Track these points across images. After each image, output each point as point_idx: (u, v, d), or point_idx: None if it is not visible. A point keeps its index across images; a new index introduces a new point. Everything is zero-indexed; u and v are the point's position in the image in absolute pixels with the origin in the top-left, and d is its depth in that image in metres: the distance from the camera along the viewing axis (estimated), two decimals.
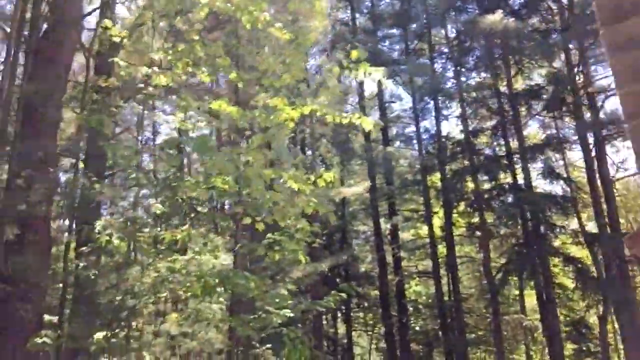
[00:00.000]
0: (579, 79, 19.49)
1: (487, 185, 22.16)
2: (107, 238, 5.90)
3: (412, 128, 24.66)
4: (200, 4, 6.06)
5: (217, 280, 5.62)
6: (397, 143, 27.70)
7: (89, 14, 12.49)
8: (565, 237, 19.50)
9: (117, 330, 8.03)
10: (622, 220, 18.49)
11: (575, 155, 22.31)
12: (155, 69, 7.33)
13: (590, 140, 18.78)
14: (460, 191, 21.97)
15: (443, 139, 22.84)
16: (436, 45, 24.25)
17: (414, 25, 22.99)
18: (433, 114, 23.60)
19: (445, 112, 25.05)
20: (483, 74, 22.56)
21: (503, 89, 21.33)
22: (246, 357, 8.27)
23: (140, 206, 15.13)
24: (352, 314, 26.32)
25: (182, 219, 9.90)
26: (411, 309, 25.21)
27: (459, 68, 22.44)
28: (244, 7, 5.74)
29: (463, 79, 22.72)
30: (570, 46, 19.76)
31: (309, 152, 23.81)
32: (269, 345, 7.99)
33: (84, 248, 7.34)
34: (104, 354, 7.79)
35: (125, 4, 13.99)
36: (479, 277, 26.73)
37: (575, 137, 19.59)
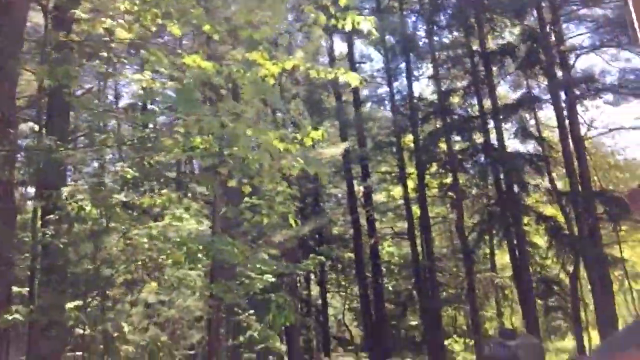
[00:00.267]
0: (552, 38, 19.41)
1: (459, 146, 22.17)
2: (79, 204, 5.47)
3: (384, 89, 24.36)
4: None
5: (200, 247, 5.29)
6: (369, 104, 27.43)
7: None
8: (537, 196, 19.73)
9: (90, 300, 7.67)
10: (594, 178, 18.73)
11: (547, 114, 22.43)
12: (121, 21, 6.78)
13: (562, 99, 18.85)
14: (433, 152, 21.90)
15: (415, 100, 22.63)
16: (406, 3, 23.74)
17: None
18: (404, 74, 23.31)
19: (417, 73, 24.84)
20: (456, 33, 22.27)
21: (476, 47, 21.11)
22: (228, 324, 8.05)
23: (107, 171, 14.56)
24: (326, 276, 26.44)
25: (154, 185, 9.49)
26: (384, 269, 25.42)
27: (431, 26, 22.05)
28: None
29: (435, 38, 22.38)
30: (543, 4, 19.58)
31: (278, 114, 23.34)
32: (251, 311, 7.76)
33: (51, 216, 6.88)
34: (78, 326, 7.44)
35: None
36: (452, 237, 27.09)
37: (547, 97, 19.60)
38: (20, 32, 6.92)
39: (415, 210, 22.21)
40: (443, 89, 21.95)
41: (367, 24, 5.06)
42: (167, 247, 5.71)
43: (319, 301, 26.52)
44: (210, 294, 7.01)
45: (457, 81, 22.84)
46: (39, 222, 7.85)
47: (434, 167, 22.79)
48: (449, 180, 22.63)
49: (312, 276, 26.79)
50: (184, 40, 12.79)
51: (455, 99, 22.04)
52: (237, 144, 4.19)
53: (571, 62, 19.35)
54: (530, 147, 20.63)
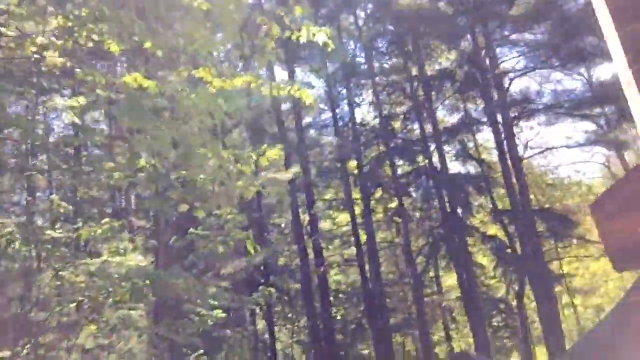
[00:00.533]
0: (487, 62, 20.06)
1: (402, 170, 22.36)
2: (7, 238, 4.79)
3: (327, 115, 24.33)
4: None
5: (147, 281, 4.73)
6: (312, 131, 27.33)
7: None
8: (481, 216, 20.06)
9: (20, 349, 6.84)
10: (531, 197, 19.24)
11: (485, 136, 23.05)
12: (53, 38, 6.23)
13: (500, 120, 19.40)
14: (378, 177, 21.95)
15: (357, 126, 22.73)
16: (345, 30, 24.01)
17: (323, 10, 22.55)
18: (345, 101, 23.44)
19: (358, 99, 25.03)
20: (394, 59, 22.65)
21: (415, 73, 21.53)
22: None
23: (37, 209, 13.51)
24: (273, 309, 25.67)
25: (89, 219, 8.81)
26: (332, 298, 24.99)
27: (370, 52, 22.34)
28: None
29: (376, 64, 22.66)
30: (476, 30, 20.27)
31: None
32: (201, 351, 7.15)
33: None
34: None
35: None
36: (397, 261, 27.09)
37: (485, 119, 20.14)
38: None
39: (362, 236, 22.06)
40: (384, 114, 22.16)
41: (322, 35, 4.79)
42: (108, 284, 5.11)
43: (266, 335, 25.64)
44: (156, 334, 6.37)
45: (397, 106, 23.16)
46: None
47: (378, 192, 22.82)
48: (394, 204, 22.72)
49: (258, 309, 25.98)
50: (119, 63, 12.15)
51: (396, 124, 22.29)
52: (190, 162, 3.75)
53: (506, 85, 20.03)
54: (471, 168, 21.06)
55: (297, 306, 26.68)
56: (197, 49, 5.28)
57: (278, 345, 28.24)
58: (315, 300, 22.19)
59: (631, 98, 1.64)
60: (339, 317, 25.81)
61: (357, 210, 22.52)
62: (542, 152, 21.26)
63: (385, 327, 20.06)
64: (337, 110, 23.93)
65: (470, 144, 21.78)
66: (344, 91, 23.17)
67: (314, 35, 4.85)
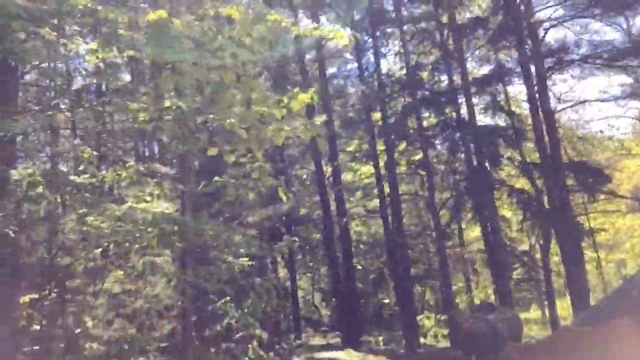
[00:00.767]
0: (522, 9, 19.12)
1: (428, 122, 21.86)
2: (29, 180, 4.69)
3: (352, 65, 23.76)
4: None
5: (175, 228, 4.61)
6: (336, 81, 26.76)
7: None
8: (508, 170, 19.65)
9: (47, 293, 6.90)
10: (562, 152, 18.68)
11: (515, 89, 22.33)
12: None
13: (533, 72, 18.65)
14: (403, 129, 21.52)
15: (383, 77, 22.14)
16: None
17: None
18: (372, 50, 22.77)
19: (385, 49, 24.32)
20: (424, 7, 21.74)
21: (445, 21, 20.68)
22: (203, 312, 7.42)
23: (58, 154, 13.49)
24: (295, 258, 25.95)
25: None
26: (353, 249, 25.11)
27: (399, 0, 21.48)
28: None
29: (404, 12, 21.81)
30: None
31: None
32: (228, 298, 7.13)
33: None
34: (34, 321, 6.67)
35: None
36: (419, 214, 26.98)
37: (518, 70, 19.38)
38: None
39: (385, 188, 21.86)
40: (412, 64, 21.50)
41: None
42: (135, 229, 5.02)
43: (287, 283, 26.00)
44: (183, 280, 6.34)
45: (426, 56, 22.43)
46: None
47: (403, 145, 22.45)
48: (418, 157, 22.36)
49: (279, 258, 26.29)
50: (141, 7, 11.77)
51: (424, 74, 21.63)
52: (218, 103, 3.52)
53: (541, 35, 19.13)
54: (500, 121, 20.48)
55: (318, 255, 26.97)
56: None
57: (299, 293, 28.75)
58: (337, 251, 22.32)
59: None
60: (359, 267, 26.06)
61: (381, 162, 22.26)
62: (574, 105, 20.54)
63: (406, 277, 20.12)
64: (363, 61, 23.36)
65: (501, 97, 21.10)
66: (370, 40, 22.48)
67: None
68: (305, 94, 4.53)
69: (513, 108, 20.78)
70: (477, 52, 21.74)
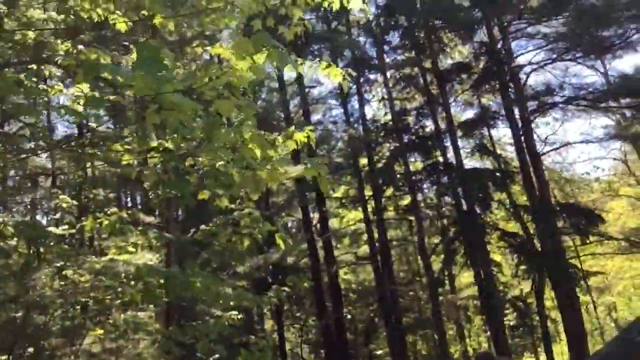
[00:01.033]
0: (503, 55, 19.43)
1: (414, 167, 21.80)
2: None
3: (337, 111, 23.80)
4: None
5: (161, 281, 4.20)
6: (321, 127, 26.75)
7: None
8: (498, 212, 19.49)
9: (20, 354, 6.33)
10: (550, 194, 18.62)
11: (499, 133, 22.49)
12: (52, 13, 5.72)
13: (517, 115, 18.78)
14: (390, 174, 21.37)
15: (368, 122, 22.19)
16: (353, 27, 23.38)
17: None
18: (356, 97, 22.88)
19: (370, 95, 24.45)
20: (407, 54, 22.02)
21: (428, 67, 20.91)
22: None
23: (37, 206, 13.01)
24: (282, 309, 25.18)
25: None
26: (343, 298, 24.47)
27: (382, 47, 21.75)
28: None
29: (387, 60, 22.06)
30: (493, 22, 19.64)
31: None
32: (217, 356, 6.61)
33: None
34: None
35: None
36: (408, 260, 26.58)
37: (502, 113, 19.52)
38: None
39: (374, 234, 21.49)
40: (397, 109, 21.60)
41: (357, 1, 4.25)
42: (117, 284, 4.59)
43: (274, 335, 25.14)
44: (169, 337, 5.84)
45: (410, 102, 22.56)
46: None
47: (390, 190, 22.27)
48: (405, 202, 22.16)
49: (265, 309, 25.50)
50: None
51: (409, 119, 21.69)
52: (214, 138, 3.21)
53: (523, 78, 19.40)
54: (487, 164, 20.48)
55: (306, 305, 26.21)
56: (213, 21, 4.73)
57: (287, 346, 27.78)
58: (326, 300, 21.69)
59: None
60: (349, 317, 25.33)
61: (369, 207, 21.97)
62: (559, 148, 20.65)
63: (398, 326, 19.51)
64: (348, 107, 23.39)
65: (485, 140, 21.16)
66: (355, 87, 22.60)
67: (347, 1, 4.32)
68: (301, 133, 4.25)
69: (499, 151, 20.84)
70: (460, 97, 21.93)
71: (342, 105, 22.37)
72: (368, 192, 21.63)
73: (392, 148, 21.70)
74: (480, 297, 18.29)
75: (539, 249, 17.06)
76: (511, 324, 21.65)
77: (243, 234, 4.95)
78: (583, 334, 16.48)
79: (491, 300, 16.99)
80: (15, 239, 4.73)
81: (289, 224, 27.75)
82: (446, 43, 21.03)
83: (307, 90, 25.02)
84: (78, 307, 5.74)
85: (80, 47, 5.06)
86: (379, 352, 24.07)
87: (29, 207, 12.42)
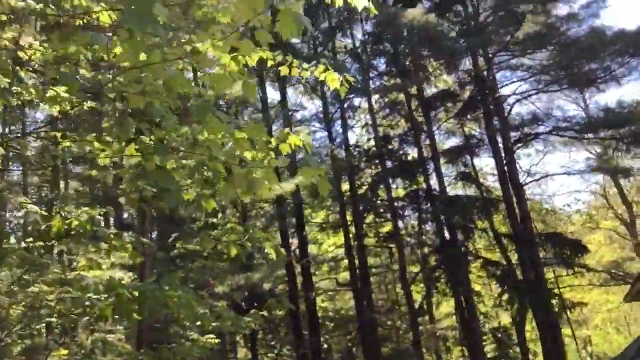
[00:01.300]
0: (487, 85, 19.52)
1: (396, 194, 21.58)
2: None
3: (320, 134, 23.58)
4: None
5: (136, 294, 3.74)
6: (302, 153, 26.45)
7: None
8: (480, 241, 19.30)
9: None
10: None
11: (483, 162, 22.49)
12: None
13: (500, 145, 18.80)
14: (372, 200, 21.11)
15: (352, 147, 21.99)
16: (339, 53, 23.38)
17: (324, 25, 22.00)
18: (339, 122, 22.73)
19: (353, 121, 24.33)
20: (392, 80, 22.01)
21: (413, 93, 20.93)
22: None
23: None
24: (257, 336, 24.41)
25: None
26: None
27: (367, 73, 21.71)
28: None
29: (373, 85, 22.02)
30: (478, 53, 19.79)
31: None
32: None
33: None
34: None
35: None
36: (386, 287, 26.14)
37: (486, 142, 19.52)
38: None
39: (354, 260, 21.08)
40: (381, 135, 21.48)
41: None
42: (85, 296, 4.09)
43: None
44: None
45: (394, 129, 22.47)
46: None
47: (371, 216, 21.98)
48: (387, 228, 21.86)
49: (238, 337, 24.74)
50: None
51: (393, 145, 21.57)
52: (208, 127, 2.82)
53: (507, 109, 19.50)
54: (470, 192, 20.37)
55: (281, 333, 25.48)
56: (206, 14, 4.41)
57: None
58: (303, 328, 21.08)
59: None
60: (325, 346, 24.66)
61: (350, 234, 21.59)
62: (540, 179, 20.70)
63: (377, 356, 18.96)
64: (332, 131, 23.21)
65: (468, 169, 21.10)
66: (339, 111, 22.47)
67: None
68: (296, 137, 3.91)
69: (481, 180, 20.79)
70: (443, 125, 21.93)
71: (325, 129, 22.13)
72: (349, 218, 21.30)
73: (374, 174, 21.50)
74: (461, 327, 17.93)
75: (521, 279, 16.85)
76: (491, 355, 21.27)
77: (230, 241, 4.53)
78: None
79: (471, 329, 16.63)
80: None
81: (266, 250, 27.11)
82: (431, 72, 21.11)
83: (290, 113, 24.86)
84: (43, 323, 5.23)
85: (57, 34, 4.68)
86: None
87: None
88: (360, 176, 21.98)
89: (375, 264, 24.32)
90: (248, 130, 3.32)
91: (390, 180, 20.79)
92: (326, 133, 22.09)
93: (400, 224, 20.84)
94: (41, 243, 5.29)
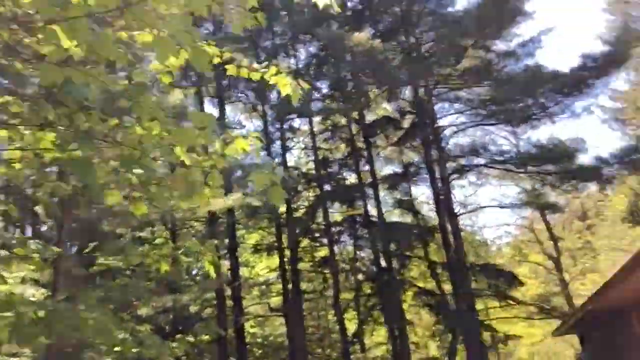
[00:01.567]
0: (427, 115, 19.79)
1: (333, 218, 21.33)
2: None
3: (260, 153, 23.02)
4: None
5: (41, 314, 3.10)
6: (239, 172, 25.77)
7: None
8: (414, 269, 19.29)
9: None
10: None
11: (420, 190, 22.70)
12: None
13: (437, 175, 19.02)
14: (308, 223, 20.71)
15: (290, 168, 21.61)
16: (282, 73, 23.07)
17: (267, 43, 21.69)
18: (279, 142, 22.35)
19: (292, 142, 24.00)
20: (334, 105, 21.94)
21: (355, 118, 20.91)
22: None
23: None
24: None
25: None
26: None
27: (310, 97, 21.51)
28: None
29: (314, 108, 21.83)
30: (419, 83, 20.08)
31: None
32: None
33: None
34: None
35: None
36: (318, 314, 25.64)
37: (424, 172, 19.72)
38: None
39: (287, 285, 20.49)
40: (320, 159, 21.25)
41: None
42: None
43: None
44: None
45: (333, 152, 22.33)
46: None
47: (306, 240, 21.56)
48: (322, 253, 21.49)
49: None
50: None
51: (332, 169, 21.38)
52: (142, 111, 2.34)
53: (445, 140, 19.82)
54: (408, 220, 20.43)
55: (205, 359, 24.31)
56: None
57: None
58: (230, 354, 20.15)
59: None
60: None
61: (285, 257, 21.02)
62: (474, 210, 21.09)
63: None
64: (271, 151, 22.74)
65: (404, 197, 21.19)
66: (278, 133, 22.11)
67: None
68: (245, 140, 3.47)
69: (417, 208, 20.92)
70: (383, 152, 22.01)
71: (265, 149, 21.65)
72: (284, 241, 20.77)
73: (312, 197, 21.19)
74: (392, 357, 17.68)
75: (454, 309, 16.87)
76: None
77: (161, 255, 3.97)
78: None
79: (403, 358, 16.42)
80: None
81: (194, 271, 26.07)
82: (372, 98, 21.20)
83: (229, 130, 24.22)
84: None
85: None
86: None
87: None
88: (297, 198, 21.60)
89: (308, 289, 23.83)
90: (195, 118, 2.85)
91: (328, 204, 20.52)
92: (265, 152, 21.59)
93: (335, 249, 20.54)
94: None
